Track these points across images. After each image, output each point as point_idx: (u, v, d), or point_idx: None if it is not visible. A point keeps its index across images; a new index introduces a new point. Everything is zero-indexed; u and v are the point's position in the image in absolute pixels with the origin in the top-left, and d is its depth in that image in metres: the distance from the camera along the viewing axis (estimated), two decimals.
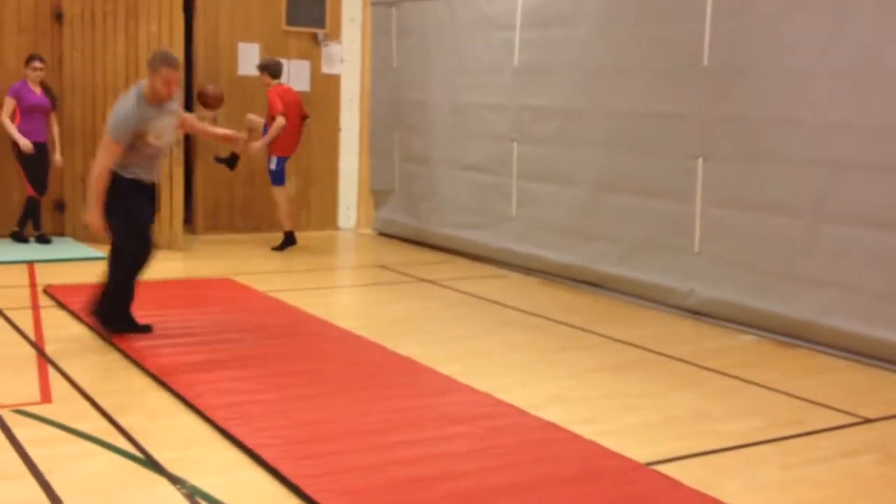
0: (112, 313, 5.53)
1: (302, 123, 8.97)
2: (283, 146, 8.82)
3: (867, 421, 4.53)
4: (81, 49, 8.78)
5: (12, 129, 8.19)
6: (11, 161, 8.43)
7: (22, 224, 8.49)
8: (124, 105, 5.37)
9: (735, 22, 6.26)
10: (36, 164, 8.35)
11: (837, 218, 5.68)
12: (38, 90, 8.37)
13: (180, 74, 5.58)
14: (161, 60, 5.33)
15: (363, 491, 3.45)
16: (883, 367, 5.44)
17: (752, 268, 6.22)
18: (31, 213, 8.45)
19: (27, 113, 8.28)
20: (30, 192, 8.38)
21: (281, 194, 8.94)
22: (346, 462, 3.70)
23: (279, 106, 8.57)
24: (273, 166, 8.83)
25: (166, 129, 5.52)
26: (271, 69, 8.78)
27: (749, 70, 6.16)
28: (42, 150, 8.39)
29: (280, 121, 8.50)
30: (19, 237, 8.46)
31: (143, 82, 5.43)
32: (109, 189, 5.34)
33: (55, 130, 8.53)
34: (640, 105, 6.93)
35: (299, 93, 9.24)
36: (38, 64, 8.34)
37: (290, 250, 8.96)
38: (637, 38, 6.96)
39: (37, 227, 8.55)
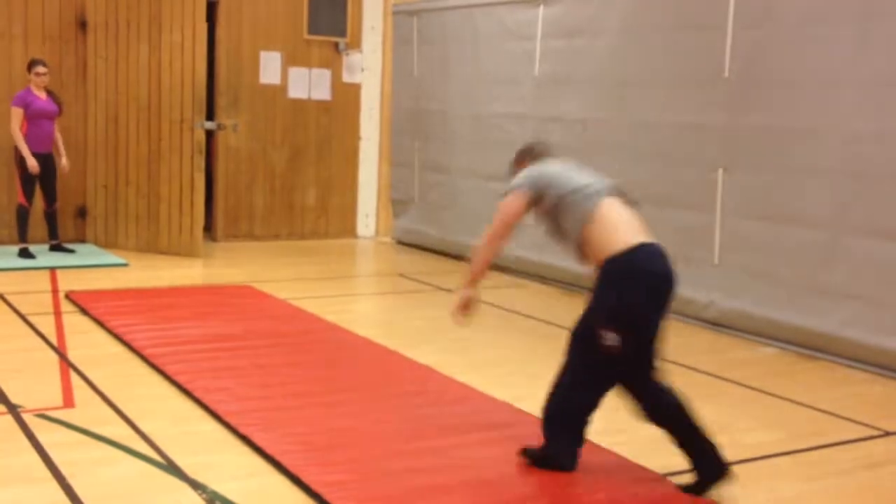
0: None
1: None
2: None
3: (887, 434, 4.51)
4: (105, 57, 8.86)
5: (23, 145, 7.92)
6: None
7: (22, 238, 8.12)
8: None
9: (757, 32, 6.25)
10: (42, 175, 8.11)
11: (860, 230, 5.66)
12: (43, 95, 8.13)
13: None
14: None
15: (384, 498, 3.47)
16: None
17: (773, 279, 6.20)
18: (21, 222, 8.13)
19: (34, 118, 8.00)
20: (21, 199, 8.09)
21: None
22: (367, 469, 3.71)
23: None
24: None
25: None
26: None
27: (771, 80, 6.15)
28: (49, 159, 8.18)
29: None
30: (26, 253, 8.06)
31: None
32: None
33: (58, 136, 8.27)
34: (661, 116, 6.93)
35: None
36: (41, 69, 8.10)
37: (311, 258, 9.00)
38: (658, 48, 6.97)
39: (53, 236, 8.43)
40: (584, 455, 4.00)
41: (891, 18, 5.52)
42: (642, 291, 3.61)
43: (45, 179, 8.23)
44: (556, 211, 3.83)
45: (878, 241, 5.56)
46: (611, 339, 3.55)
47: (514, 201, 3.91)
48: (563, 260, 7.85)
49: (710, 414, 4.68)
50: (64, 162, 8.33)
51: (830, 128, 5.80)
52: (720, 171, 6.47)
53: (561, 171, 3.93)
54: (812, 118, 5.91)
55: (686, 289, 6.77)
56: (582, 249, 3.80)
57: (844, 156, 5.71)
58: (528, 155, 4.19)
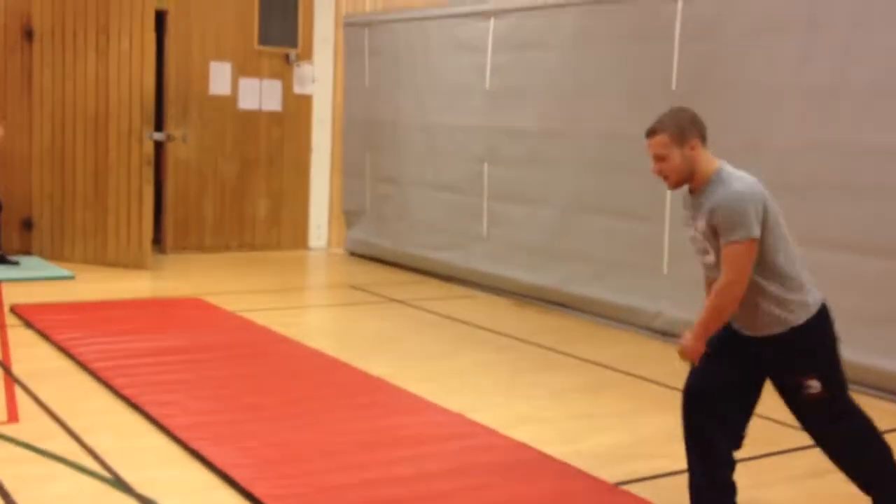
0: None
1: None
2: None
3: None
4: (52, 66, 8.72)
5: None
6: None
7: None
8: None
9: (703, 45, 6.35)
10: None
11: (802, 240, 5.70)
12: None
13: (652, 146, 3.49)
14: None
15: None
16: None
17: None
18: None
19: None
20: None
21: None
22: (318, 482, 3.68)
23: None
24: None
25: (696, 236, 3.42)
26: None
27: (716, 93, 6.24)
28: None
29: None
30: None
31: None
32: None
33: None
34: (610, 127, 6.99)
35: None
36: None
37: (262, 269, 8.94)
38: (607, 61, 7.04)
39: None
40: (536, 466, 4.02)
41: (833, 31, 5.62)
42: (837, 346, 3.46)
43: None
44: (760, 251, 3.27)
45: (821, 251, 5.62)
46: (815, 387, 3.35)
47: (748, 256, 3.22)
48: (515, 271, 7.89)
49: (661, 423, 4.73)
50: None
51: (773, 139, 5.89)
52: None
53: (763, 190, 3.33)
54: (756, 129, 6.00)
55: (635, 298, 6.86)
56: (765, 294, 3.29)
57: (787, 166, 5.80)
58: (696, 129, 3.40)
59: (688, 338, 3.35)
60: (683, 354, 3.38)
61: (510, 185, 7.97)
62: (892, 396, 5.34)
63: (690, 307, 6.42)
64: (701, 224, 3.33)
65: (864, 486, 3.45)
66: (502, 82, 8.01)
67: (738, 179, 3.33)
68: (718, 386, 3.42)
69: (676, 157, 3.39)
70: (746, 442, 4.22)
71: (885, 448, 3.42)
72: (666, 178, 3.44)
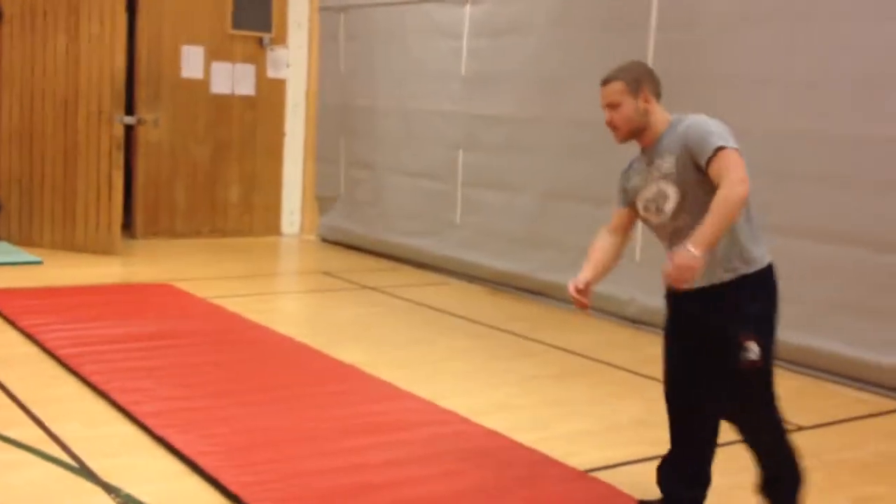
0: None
1: None
2: None
3: (800, 428, 4.61)
4: (21, 48, 8.59)
5: None
6: None
7: None
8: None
9: (679, 33, 6.34)
10: None
11: (779, 229, 5.76)
12: None
13: (606, 94, 3.43)
14: None
15: (304, 499, 3.42)
16: (817, 375, 5.53)
17: None
18: None
19: None
20: None
21: None
22: (288, 469, 3.66)
23: None
24: None
25: (659, 191, 3.32)
26: None
27: (693, 80, 6.23)
28: None
29: None
30: None
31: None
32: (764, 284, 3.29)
33: None
34: (587, 114, 6.95)
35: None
36: None
37: (234, 255, 8.88)
38: (584, 47, 7.01)
39: None
40: (507, 453, 4.01)
41: (814, 20, 5.61)
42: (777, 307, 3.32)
43: None
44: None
45: (797, 239, 5.67)
46: (755, 352, 3.17)
47: (739, 162, 3.07)
48: (489, 258, 7.87)
49: (633, 410, 4.75)
50: None
51: (751, 127, 5.86)
52: None
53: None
54: (733, 118, 5.95)
55: (608, 286, 6.83)
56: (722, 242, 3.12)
57: (765, 155, 5.80)
58: (651, 82, 3.35)
59: (682, 254, 2.98)
60: (679, 272, 2.98)
61: (486, 171, 7.94)
62: (859, 385, 5.39)
63: (663, 294, 6.44)
64: (667, 163, 3.22)
65: (767, 472, 3.46)
66: (479, 68, 7.98)
67: (697, 115, 3.33)
68: (695, 372, 3.39)
69: (629, 106, 3.33)
70: None
71: (792, 444, 3.44)
72: (616, 128, 3.36)
